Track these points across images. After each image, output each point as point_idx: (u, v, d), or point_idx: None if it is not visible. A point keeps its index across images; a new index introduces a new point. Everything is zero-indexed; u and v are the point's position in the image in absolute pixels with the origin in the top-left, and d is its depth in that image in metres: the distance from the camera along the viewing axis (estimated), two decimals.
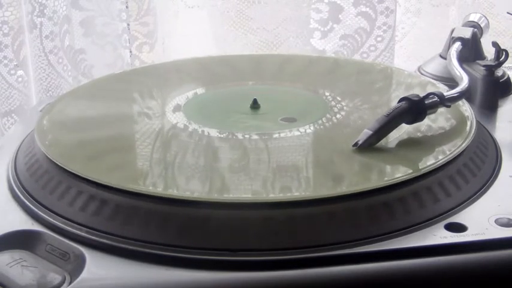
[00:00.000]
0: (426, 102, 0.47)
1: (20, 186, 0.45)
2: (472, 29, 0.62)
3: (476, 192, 0.42)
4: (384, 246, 0.37)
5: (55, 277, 0.36)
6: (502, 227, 0.39)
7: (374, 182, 0.41)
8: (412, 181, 0.41)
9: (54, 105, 0.55)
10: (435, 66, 0.63)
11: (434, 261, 0.37)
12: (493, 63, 0.57)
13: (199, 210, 0.39)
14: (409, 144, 0.46)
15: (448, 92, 0.50)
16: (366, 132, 0.45)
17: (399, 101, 0.47)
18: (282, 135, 0.48)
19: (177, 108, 0.53)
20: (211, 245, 0.37)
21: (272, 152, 0.46)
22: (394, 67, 0.64)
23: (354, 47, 0.84)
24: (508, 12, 0.82)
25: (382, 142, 0.45)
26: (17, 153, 0.49)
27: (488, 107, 0.56)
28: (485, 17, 0.65)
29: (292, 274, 0.36)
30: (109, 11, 0.81)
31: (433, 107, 0.47)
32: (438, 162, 0.43)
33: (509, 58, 0.57)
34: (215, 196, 0.40)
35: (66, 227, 0.40)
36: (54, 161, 0.44)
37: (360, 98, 0.54)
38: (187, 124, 0.50)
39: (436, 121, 0.49)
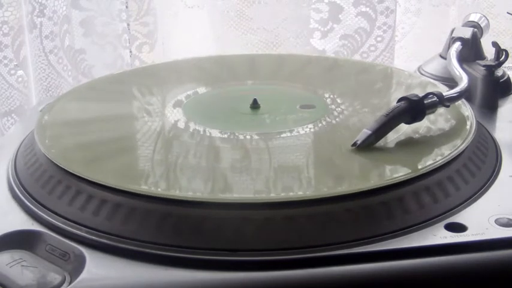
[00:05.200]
0: (425, 102, 0.47)
1: (20, 186, 0.45)
2: (472, 29, 0.62)
3: (476, 192, 0.42)
4: (384, 246, 0.37)
5: (55, 277, 0.36)
6: (502, 227, 0.39)
7: (374, 182, 0.41)
8: (412, 181, 0.41)
9: (54, 105, 0.55)
10: (435, 66, 0.63)
11: (434, 261, 0.37)
12: (493, 63, 0.57)
13: (199, 210, 0.39)
14: (409, 144, 0.46)
15: (447, 92, 0.50)
16: (365, 132, 0.45)
17: (398, 101, 0.47)
18: (282, 135, 0.48)
19: (177, 108, 0.53)
20: (211, 245, 0.37)
21: (272, 152, 0.46)
22: (394, 67, 0.64)
23: (354, 47, 0.85)
24: (508, 12, 0.82)
25: (381, 142, 0.45)
26: (17, 153, 0.49)
27: (488, 107, 0.56)
28: (485, 17, 0.65)
29: (292, 274, 0.36)
30: (109, 11, 0.81)
31: (432, 107, 0.48)
32: (438, 162, 0.43)
33: (509, 58, 0.57)
34: (215, 196, 0.40)
35: (66, 227, 0.40)
36: (54, 161, 0.44)
37: (360, 98, 0.54)
38: (187, 124, 0.50)
39: (436, 121, 0.49)
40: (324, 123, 0.50)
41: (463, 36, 0.62)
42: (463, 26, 0.64)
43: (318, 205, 0.39)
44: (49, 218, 0.41)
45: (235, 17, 0.83)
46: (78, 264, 0.37)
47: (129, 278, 0.36)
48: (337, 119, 0.51)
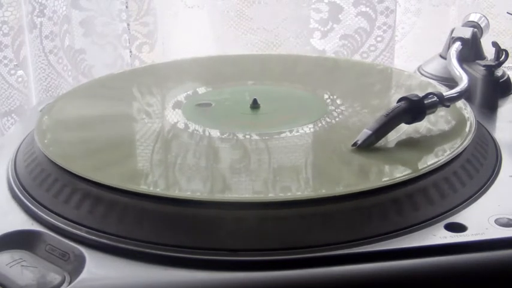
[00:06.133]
0: (425, 102, 0.47)
1: (20, 186, 0.44)
2: (472, 29, 0.62)
3: (476, 192, 0.42)
4: (384, 246, 0.37)
5: (55, 277, 0.36)
6: (502, 227, 0.39)
7: (373, 182, 0.41)
8: (412, 181, 0.41)
9: (54, 105, 0.55)
10: (435, 66, 0.63)
11: (434, 261, 0.37)
12: (493, 63, 0.57)
13: (199, 210, 0.39)
14: (409, 144, 0.46)
15: (447, 92, 0.50)
16: (365, 132, 0.45)
17: (398, 101, 0.47)
18: (282, 135, 0.48)
19: (176, 108, 0.53)
20: (211, 245, 0.37)
21: (271, 153, 0.46)
22: (394, 67, 0.64)
23: (354, 47, 0.84)
24: (508, 12, 0.82)
25: (382, 142, 0.45)
26: (17, 153, 0.49)
27: (488, 107, 0.56)
28: (485, 17, 0.65)
29: (292, 274, 0.36)
30: (109, 11, 0.81)
31: (433, 107, 0.47)
32: (438, 162, 0.43)
33: (509, 58, 0.57)
34: (215, 196, 0.40)
35: (66, 227, 0.40)
36: (54, 161, 0.44)
37: (360, 98, 0.54)
38: (187, 124, 0.50)
39: (436, 121, 0.49)
40: (323, 123, 0.50)
41: (463, 36, 0.62)
42: (463, 26, 0.64)
43: (318, 205, 0.39)
44: (49, 218, 0.41)
45: (235, 17, 0.83)
46: (78, 264, 0.37)
47: (129, 278, 0.36)
48: (337, 119, 0.51)
